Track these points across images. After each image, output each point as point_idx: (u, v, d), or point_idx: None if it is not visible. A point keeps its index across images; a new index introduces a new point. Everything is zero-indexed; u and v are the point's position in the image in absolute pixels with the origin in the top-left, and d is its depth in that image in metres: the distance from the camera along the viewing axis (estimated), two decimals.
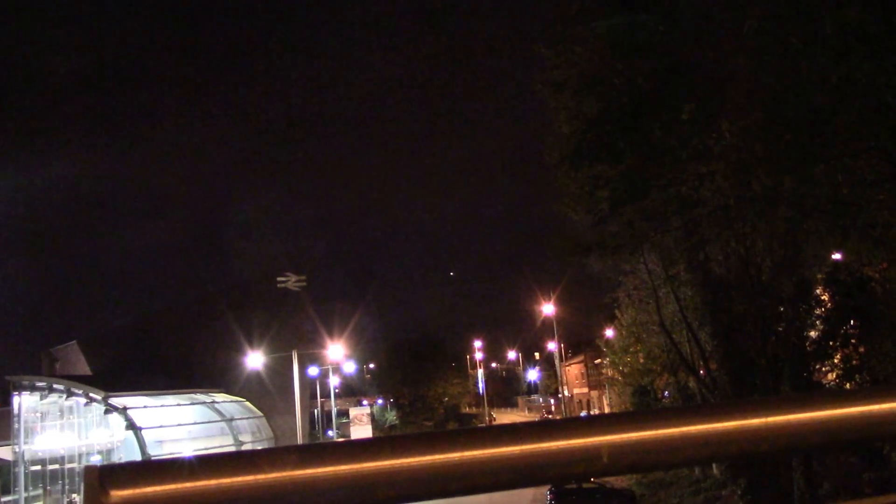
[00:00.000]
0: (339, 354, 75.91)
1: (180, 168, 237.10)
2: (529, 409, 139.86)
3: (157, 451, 50.69)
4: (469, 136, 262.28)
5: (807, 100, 16.93)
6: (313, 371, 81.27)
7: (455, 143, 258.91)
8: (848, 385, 28.41)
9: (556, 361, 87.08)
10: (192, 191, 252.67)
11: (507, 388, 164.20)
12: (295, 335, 69.90)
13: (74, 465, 52.56)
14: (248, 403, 68.56)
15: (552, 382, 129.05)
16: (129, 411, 52.05)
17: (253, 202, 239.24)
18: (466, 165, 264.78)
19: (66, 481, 52.73)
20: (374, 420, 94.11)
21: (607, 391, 79.12)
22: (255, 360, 65.07)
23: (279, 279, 73.75)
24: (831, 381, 30.77)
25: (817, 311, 30.46)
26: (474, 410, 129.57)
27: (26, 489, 52.54)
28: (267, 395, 68.93)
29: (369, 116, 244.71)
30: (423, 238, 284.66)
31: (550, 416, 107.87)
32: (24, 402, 53.67)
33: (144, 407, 54.18)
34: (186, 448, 52.58)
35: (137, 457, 49.22)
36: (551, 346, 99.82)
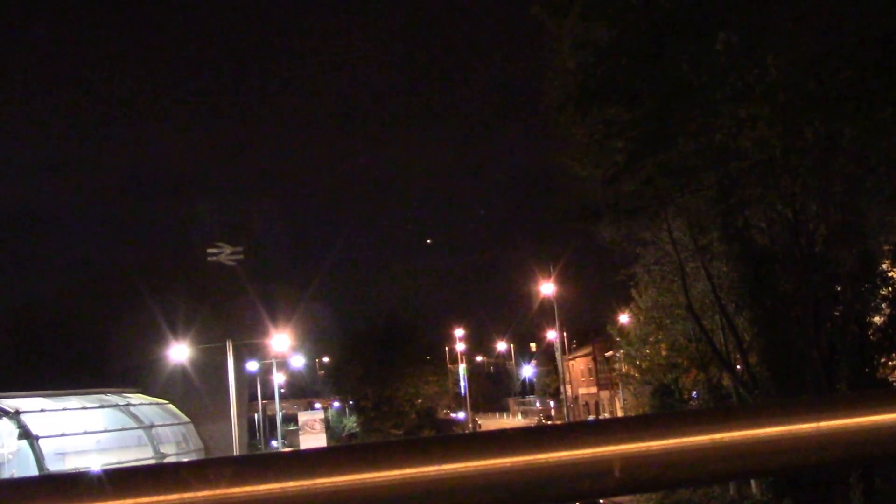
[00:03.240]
0: (285, 346, 75.80)
1: (86, 110, 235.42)
2: (524, 414, 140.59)
3: (59, 466, 50.58)
4: (451, 72, 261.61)
5: (872, 27, 16.92)
6: (253, 366, 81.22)
7: (433, 79, 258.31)
8: None
9: (557, 354, 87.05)
10: (99, 140, 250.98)
11: (495, 388, 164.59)
12: (230, 321, 69.71)
13: None
14: (171, 406, 68.52)
15: (552, 381, 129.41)
16: (22, 416, 51.85)
17: (177, 153, 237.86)
18: (448, 108, 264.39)
19: None
20: (330, 427, 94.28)
21: (621, 391, 79.39)
22: (179, 352, 64.85)
23: (210, 251, 73.62)
24: None
25: (883, 292, 30.48)
26: (455, 415, 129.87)
27: None
28: (195, 396, 68.91)
29: (327, 45, 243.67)
30: (392, 200, 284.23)
31: (550, 423, 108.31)
32: None
33: (41, 411, 53.98)
34: (95, 461, 52.48)
35: (34, 472, 49.12)
36: (551, 335, 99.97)
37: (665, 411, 44.31)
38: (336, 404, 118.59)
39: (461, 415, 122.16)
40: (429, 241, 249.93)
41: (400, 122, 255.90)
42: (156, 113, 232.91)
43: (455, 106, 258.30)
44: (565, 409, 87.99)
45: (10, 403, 52.40)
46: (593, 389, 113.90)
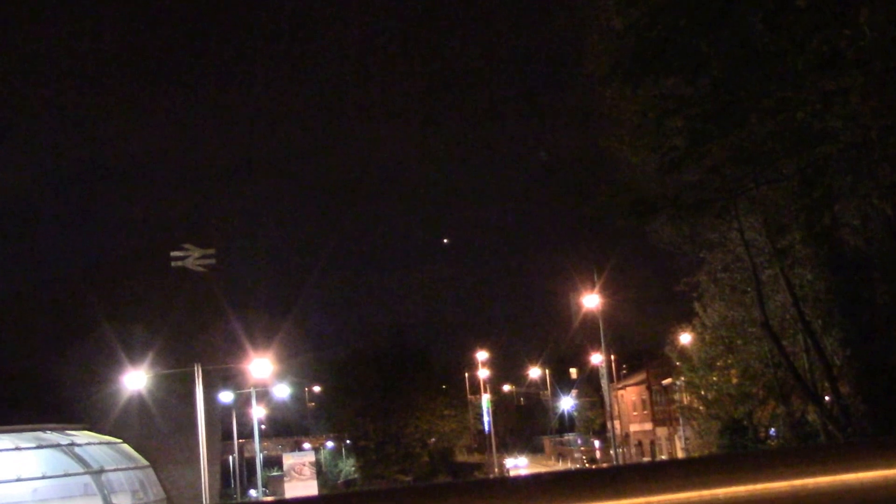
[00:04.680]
0: (266, 372, 75.73)
1: (27, 81, 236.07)
2: (562, 457, 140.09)
3: None
4: (472, 37, 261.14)
5: None
6: (227, 397, 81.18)
7: (451, 45, 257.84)
8: None
9: (604, 382, 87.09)
10: (38, 116, 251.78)
11: (527, 424, 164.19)
12: (198, 341, 69.78)
13: None
14: (126, 447, 68.57)
15: (597, 415, 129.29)
16: None
17: (134, 136, 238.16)
18: (466, 79, 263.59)
19: None
20: (322, 472, 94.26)
21: (682, 427, 79.35)
22: (136, 380, 64.84)
23: (174, 254, 73.60)
24: None
25: None
26: (476, 458, 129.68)
27: None
28: (156, 434, 68.93)
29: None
30: (399, 192, 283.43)
31: (594, 467, 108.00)
32: None
33: None
34: None
35: None
36: (596, 358, 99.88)
37: (735, 452, 44.33)
38: (330, 444, 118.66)
39: (521, 461, 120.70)
40: (445, 240, 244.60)
41: (410, 98, 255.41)
42: (107, 83, 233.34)
43: (475, 76, 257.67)
44: (613, 450, 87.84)
45: None
46: (648, 425, 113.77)
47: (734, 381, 50.86)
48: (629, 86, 23.87)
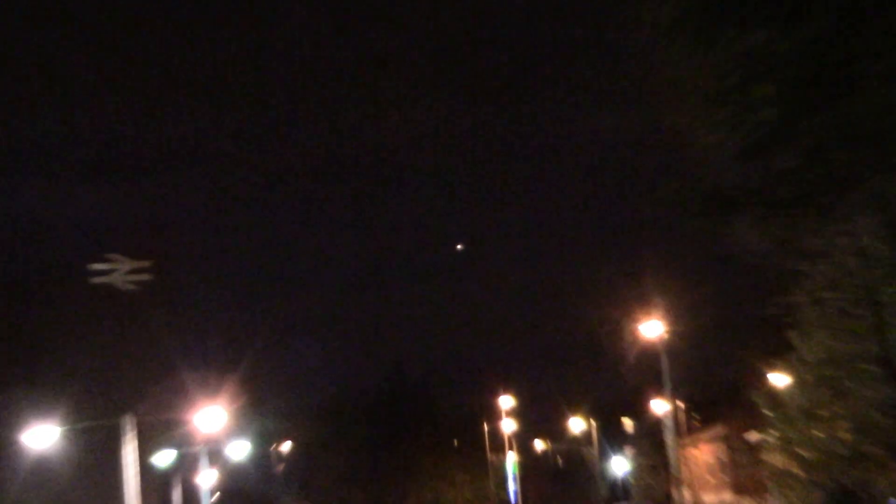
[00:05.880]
0: (219, 424, 75.55)
1: None
2: None
3: None
4: None
5: None
6: (166, 459, 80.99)
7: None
8: None
9: (668, 437, 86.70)
10: None
11: (568, 491, 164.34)
12: (128, 384, 69.63)
13: None
14: None
15: (659, 481, 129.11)
16: None
17: (46, 103, 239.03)
18: (485, 46, 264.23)
19: None
20: None
21: (774, 498, 79.09)
22: (44, 435, 64.63)
23: (97, 266, 73.41)
24: None
25: None
26: None
27: None
28: None
29: None
30: (400, 185, 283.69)
31: None
32: None
33: None
34: None
35: None
36: (658, 406, 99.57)
37: None
38: None
39: None
40: (459, 247, 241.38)
41: (411, 68, 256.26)
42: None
43: (496, 35, 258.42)
44: None
45: None
46: (727, 495, 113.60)
47: (844, 436, 50.54)
48: (702, 42, 23.43)
